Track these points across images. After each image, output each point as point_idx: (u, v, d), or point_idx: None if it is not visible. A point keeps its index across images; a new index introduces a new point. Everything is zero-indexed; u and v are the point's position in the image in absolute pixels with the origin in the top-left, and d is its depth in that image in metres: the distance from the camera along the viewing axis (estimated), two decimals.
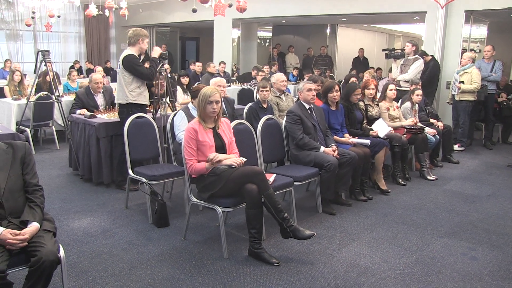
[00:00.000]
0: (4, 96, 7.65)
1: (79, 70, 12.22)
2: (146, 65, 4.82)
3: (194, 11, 8.09)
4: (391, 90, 5.84)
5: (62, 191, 5.05)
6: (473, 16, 8.44)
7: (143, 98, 4.87)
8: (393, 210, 4.61)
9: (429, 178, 5.75)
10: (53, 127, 7.26)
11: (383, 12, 9.48)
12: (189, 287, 3.04)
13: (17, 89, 7.69)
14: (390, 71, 8.58)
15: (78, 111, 5.67)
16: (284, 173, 4.16)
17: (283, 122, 4.75)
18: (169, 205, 4.24)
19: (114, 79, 10.09)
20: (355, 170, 4.71)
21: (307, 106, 4.68)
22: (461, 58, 7.54)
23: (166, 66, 5.14)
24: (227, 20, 11.14)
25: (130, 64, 4.67)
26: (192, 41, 17.50)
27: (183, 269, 3.29)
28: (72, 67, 12.24)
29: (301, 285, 3.09)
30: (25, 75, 8.92)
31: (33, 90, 6.77)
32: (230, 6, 7.87)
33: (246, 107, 5.53)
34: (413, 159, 6.06)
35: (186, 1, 7.75)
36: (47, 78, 6.01)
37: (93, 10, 10.35)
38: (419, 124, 5.99)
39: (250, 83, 9.77)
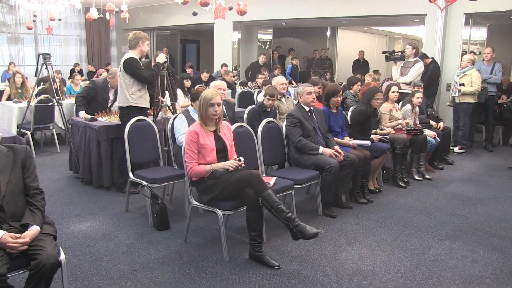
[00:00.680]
0: (6, 99, 7.64)
1: (80, 73, 12.23)
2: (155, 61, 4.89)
3: (195, 14, 8.10)
4: (393, 92, 5.84)
5: (62, 194, 5.05)
6: (472, 19, 8.44)
7: (144, 101, 4.87)
8: (394, 213, 4.60)
9: (416, 178, 5.81)
10: (54, 130, 7.26)
11: (383, 15, 9.50)
12: None
13: (19, 91, 7.68)
14: None
15: (81, 114, 5.66)
16: (284, 176, 4.16)
17: (283, 125, 4.75)
18: (170, 208, 4.24)
19: None
20: (355, 173, 4.71)
21: (307, 109, 4.68)
22: (461, 61, 7.54)
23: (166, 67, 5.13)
24: (228, 23, 11.16)
25: (131, 67, 4.68)
26: (192, 44, 17.52)
27: (183, 272, 3.29)
28: (73, 70, 12.26)
29: None
30: (26, 78, 8.93)
31: (34, 93, 6.78)
32: (230, 9, 7.88)
33: (247, 110, 5.53)
34: (422, 165, 6.03)
35: (187, 4, 7.75)
36: (54, 84, 6.00)
37: (94, 13, 10.36)
38: (419, 125, 5.98)
39: (250, 86, 9.79)
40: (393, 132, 5.56)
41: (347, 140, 5.00)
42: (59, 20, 11.43)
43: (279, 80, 5.84)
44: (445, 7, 7.33)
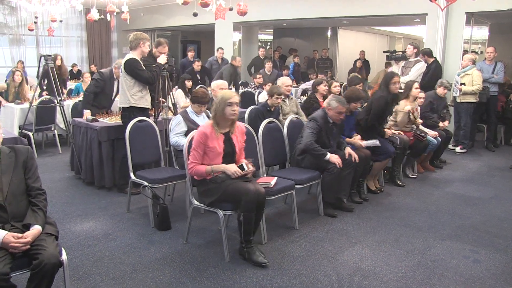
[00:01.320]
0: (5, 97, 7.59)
1: (78, 73, 12.27)
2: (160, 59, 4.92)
3: (195, 15, 8.10)
4: (416, 88, 5.69)
5: (64, 194, 5.06)
6: (474, 18, 8.43)
7: (145, 101, 4.88)
8: (395, 213, 4.60)
9: (410, 175, 5.88)
10: (55, 131, 7.28)
11: (383, 15, 9.49)
12: None
13: (16, 90, 7.59)
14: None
15: (85, 112, 5.67)
16: (285, 176, 4.16)
17: (285, 125, 4.75)
18: (171, 209, 4.24)
19: None
20: (354, 172, 4.68)
21: (330, 121, 4.56)
22: (462, 60, 7.53)
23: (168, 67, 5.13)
24: (228, 23, 11.15)
25: (132, 68, 4.69)
26: (193, 45, 17.50)
27: (185, 272, 3.29)
28: (71, 71, 12.28)
29: None
30: (27, 79, 8.92)
31: (36, 94, 6.78)
32: (230, 9, 7.88)
33: (248, 110, 5.53)
34: (415, 163, 6.04)
35: (187, 5, 7.75)
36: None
37: (94, 15, 10.36)
38: (421, 127, 5.92)
39: (249, 86, 9.77)
40: (400, 133, 5.52)
41: (358, 139, 4.94)
42: (60, 21, 11.46)
43: (284, 81, 5.82)
44: (446, 6, 7.32)
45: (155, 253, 3.60)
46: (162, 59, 4.98)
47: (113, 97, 6.02)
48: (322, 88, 5.98)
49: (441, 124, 6.33)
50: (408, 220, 4.40)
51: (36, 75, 7.57)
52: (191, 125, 4.46)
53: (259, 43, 13.36)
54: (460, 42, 8.30)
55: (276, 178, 3.97)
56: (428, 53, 7.60)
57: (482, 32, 9.66)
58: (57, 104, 6.17)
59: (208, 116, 4.76)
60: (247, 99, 8.42)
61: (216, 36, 12.23)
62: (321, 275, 3.27)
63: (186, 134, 4.45)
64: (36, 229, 2.52)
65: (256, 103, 7.37)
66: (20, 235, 2.44)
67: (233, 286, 3.11)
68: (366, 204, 4.83)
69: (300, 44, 15.31)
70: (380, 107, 5.08)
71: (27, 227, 2.53)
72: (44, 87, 7.57)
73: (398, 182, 5.52)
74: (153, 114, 5.20)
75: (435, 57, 7.88)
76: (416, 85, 5.78)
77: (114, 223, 4.22)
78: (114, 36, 15.55)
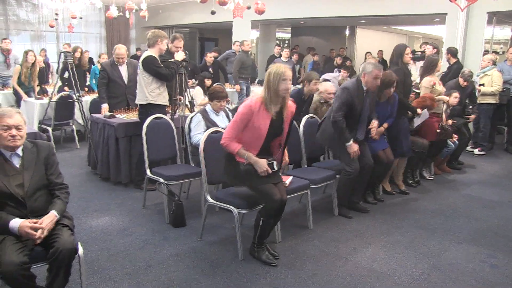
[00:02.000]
0: (17, 79, 7.67)
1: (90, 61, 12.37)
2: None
3: (213, 13, 8.12)
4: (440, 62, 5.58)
5: (81, 189, 5.13)
6: (496, 17, 8.29)
7: (162, 98, 4.92)
8: (410, 215, 4.56)
9: (426, 177, 5.81)
10: (74, 126, 7.38)
11: (402, 14, 9.39)
12: None
13: (29, 71, 7.64)
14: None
15: (103, 106, 5.75)
16: (300, 176, 4.16)
17: (301, 124, 4.70)
18: (186, 206, 4.27)
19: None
20: (372, 173, 4.62)
21: (364, 89, 4.28)
22: (482, 61, 7.41)
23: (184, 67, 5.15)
24: (246, 21, 11.17)
25: (150, 65, 4.73)
26: (211, 42, 17.57)
27: (198, 269, 3.31)
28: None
29: None
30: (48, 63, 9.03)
31: (55, 89, 6.89)
32: (248, 8, 7.90)
33: None
34: (432, 164, 5.97)
35: (205, 3, 7.78)
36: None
37: (113, 12, 10.50)
38: (450, 122, 5.71)
39: None
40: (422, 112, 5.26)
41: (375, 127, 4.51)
42: (80, 18, 11.63)
43: (327, 88, 5.29)
44: (466, 6, 7.21)
45: (170, 249, 3.63)
46: (179, 56, 5.01)
47: (126, 82, 5.97)
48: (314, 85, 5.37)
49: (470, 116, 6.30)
50: (423, 222, 4.35)
51: (56, 71, 7.69)
52: (210, 125, 4.42)
53: (277, 41, 13.34)
54: (481, 43, 8.17)
55: (291, 177, 3.97)
56: (453, 53, 7.40)
57: (504, 32, 9.49)
58: (76, 100, 6.26)
59: (227, 115, 4.75)
60: None
61: (234, 34, 12.25)
62: (334, 276, 3.26)
63: None
64: (50, 213, 2.59)
65: None
66: (35, 220, 2.51)
67: (246, 284, 3.12)
68: (381, 205, 4.79)
69: (318, 42, 15.24)
70: (400, 80, 4.83)
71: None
72: (66, 83, 7.69)
73: (411, 182, 5.45)
74: (170, 111, 5.24)
75: (457, 58, 7.76)
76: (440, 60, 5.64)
77: (129, 219, 4.27)
78: (132, 33, 15.71)
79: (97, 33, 14.95)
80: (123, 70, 5.96)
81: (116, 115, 5.45)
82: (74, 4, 10.51)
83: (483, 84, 7.04)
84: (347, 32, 14.16)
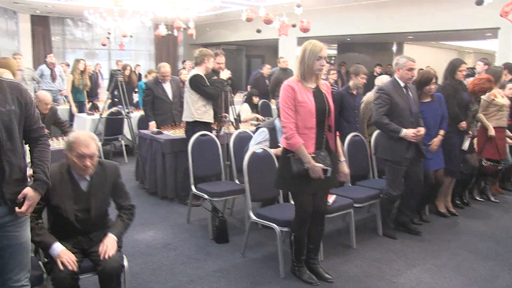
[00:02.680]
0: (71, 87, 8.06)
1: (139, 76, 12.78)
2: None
3: (259, 31, 8.27)
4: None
5: None
6: None
7: (208, 116, 5.03)
8: (458, 236, 4.40)
9: (477, 198, 5.59)
10: (123, 141, 7.66)
11: (453, 30, 9.17)
12: None
13: (81, 78, 8.05)
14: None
15: (151, 124, 5.94)
16: (344, 195, 4.12)
17: (345, 143, 4.65)
18: (229, 222, 4.32)
19: None
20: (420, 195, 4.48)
21: (402, 84, 4.16)
22: None
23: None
24: (292, 38, 11.24)
25: (196, 84, 4.86)
26: (257, 59, 17.80)
27: (240, 285, 3.34)
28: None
29: None
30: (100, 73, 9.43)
31: (106, 106, 7.18)
32: (293, 26, 7.98)
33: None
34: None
35: (251, 21, 7.93)
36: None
37: (162, 30, 10.89)
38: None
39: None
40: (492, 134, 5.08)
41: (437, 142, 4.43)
42: (131, 36, 12.15)
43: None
44: None
45: (212, 265, 3.68)
46: (225, 75, 5.12)
47: (170, 97, 6.16)
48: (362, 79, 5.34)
49: None
50: (472, 245, 4.19)
51: (106, 88, 8.03)
52: (274, 145, 4.19)
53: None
54: None
55: (334, 196, 3.94)
56: (511, 69, 7.14)
57: None
58: (125, 116, 6.50)
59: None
60: None
61: (280, 51, 12.37)
62: None
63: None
64: (108, 236, 2.68)
65: None
66: (72, 255, 2.52)
67: None
68: (427, 226, 4.65)
69: (364, 59, 15.10)
70: (449, 95, 4.67)
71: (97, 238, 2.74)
72: (116, 99, 8.02)
73: (458, 202, 5.25)
74: (216, 128, 5.34)
75: None
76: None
77: (174, 233, 4.36)
78: (180, 50, 16.21)
79: (146, 51, 15.54)
80: (167, 87, 6.15)
81: (163, 131, 5.61)
82: (125, 23, 10.97)
83: None
84: (394, 48, 13.97)
